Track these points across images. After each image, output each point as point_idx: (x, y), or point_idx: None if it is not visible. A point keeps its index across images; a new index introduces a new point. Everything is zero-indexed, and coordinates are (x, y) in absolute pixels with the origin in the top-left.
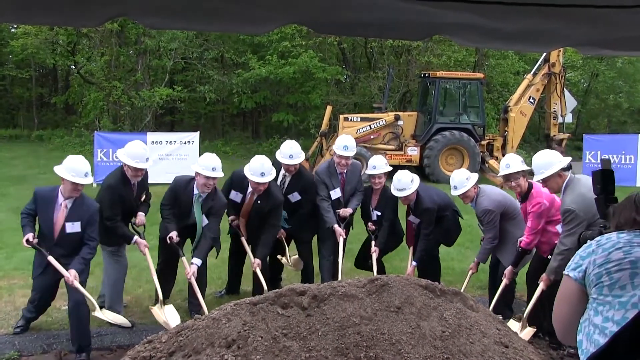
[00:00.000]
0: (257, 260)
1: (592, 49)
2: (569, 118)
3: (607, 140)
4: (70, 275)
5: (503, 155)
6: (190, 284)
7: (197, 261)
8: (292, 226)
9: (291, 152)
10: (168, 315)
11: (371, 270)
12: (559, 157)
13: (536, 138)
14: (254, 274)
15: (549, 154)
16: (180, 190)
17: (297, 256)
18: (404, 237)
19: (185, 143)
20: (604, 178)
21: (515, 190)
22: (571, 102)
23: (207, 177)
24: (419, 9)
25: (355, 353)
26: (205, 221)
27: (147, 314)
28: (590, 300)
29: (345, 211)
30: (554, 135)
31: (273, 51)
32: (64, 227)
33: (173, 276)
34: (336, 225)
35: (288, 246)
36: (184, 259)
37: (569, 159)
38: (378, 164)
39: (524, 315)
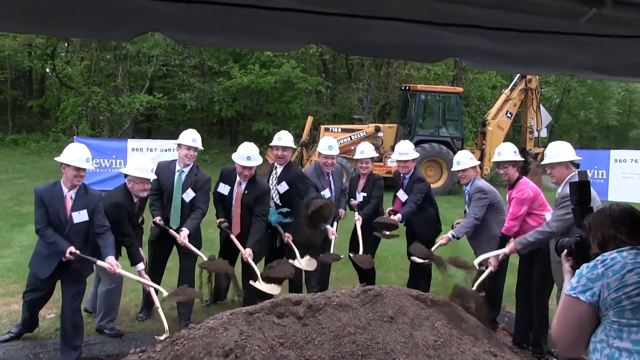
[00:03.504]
0: (248, 250)
1: (590, 74)
2: (544, 132)
3: (580, 155)
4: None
5: (481, 169)
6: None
7: (185, 230)
8: (290, 229)
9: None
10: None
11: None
12: (573, 152)
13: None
14: (244, 282)
15: (567, 145)
16: (164, 170)
17: (308, 257)
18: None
19: (165, 150)
20: (581, 189)
21: (504, 178)
22: (546, 117)
23: (189, 148)
24: (436, 33)
25: None
26: (189, 195)
27: (136, 322)
28: (606, 322)
29: (342, 213)
30: (530, 150)
31: (255, 60)
32: (70, 217)
33: (160, 274)
34: (328, 225)
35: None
36: (171, 231)
37: (581, 158)
38: (366, 150)
39: (474, 286)
